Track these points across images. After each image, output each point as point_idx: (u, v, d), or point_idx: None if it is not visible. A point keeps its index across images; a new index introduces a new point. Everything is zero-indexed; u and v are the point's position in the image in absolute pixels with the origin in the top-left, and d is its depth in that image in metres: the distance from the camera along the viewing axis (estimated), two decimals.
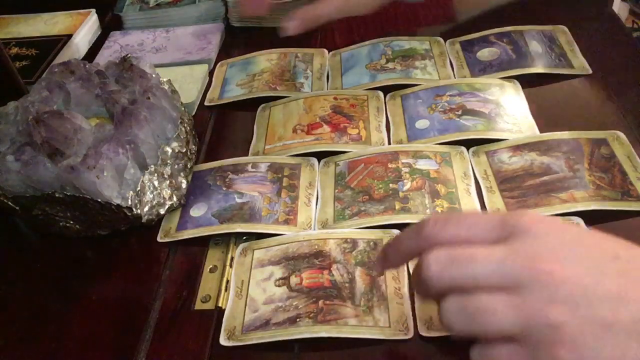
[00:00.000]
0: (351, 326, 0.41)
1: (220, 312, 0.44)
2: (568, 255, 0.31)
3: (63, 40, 0.75)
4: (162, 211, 0.51)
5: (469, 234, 0.34)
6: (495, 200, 0.49)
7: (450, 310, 0.32)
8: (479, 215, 0.36)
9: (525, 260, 0.31)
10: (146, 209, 0.49)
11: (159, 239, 0.50)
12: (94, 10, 0.81)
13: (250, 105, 0.64)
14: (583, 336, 0.30)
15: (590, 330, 0.30)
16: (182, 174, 0.53)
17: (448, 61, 0.65)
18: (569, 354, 0.30)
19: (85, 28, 0.78)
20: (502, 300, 0.31)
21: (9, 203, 0.49)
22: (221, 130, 0.63)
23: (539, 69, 0.61)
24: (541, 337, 0.30)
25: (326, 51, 0.71)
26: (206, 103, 0.66)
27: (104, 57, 0.73)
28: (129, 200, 0.48)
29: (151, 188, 0.50)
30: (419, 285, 0.34)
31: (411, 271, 0.45)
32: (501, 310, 0.31)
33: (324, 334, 0.40)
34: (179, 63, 0.71)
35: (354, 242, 0.46)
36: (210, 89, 0.68)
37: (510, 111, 0.56)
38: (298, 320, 0.41)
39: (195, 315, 0.44)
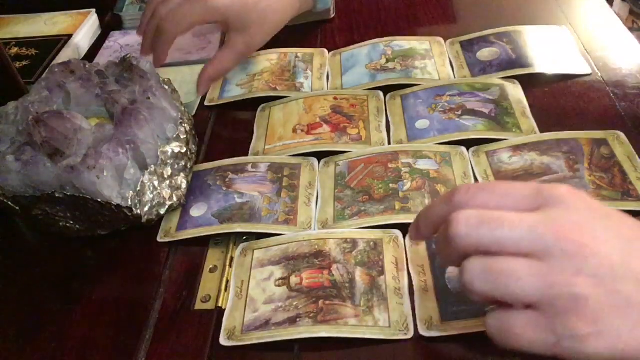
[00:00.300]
0: (351, 326, 0.41)
1: (220, 312, 0.44)
2: (600, 231, 0.31)
3: (63, 40, 0.75)
4: (162, 211, 0.51)
5: (501, 202, 0.33)
6: None
7: (473, 270, 0.32)
8: (513, 184, 0.35)
9: (557, 229, 0.31)
10: (146, 209, 0.49)
11: (159, 239, 0.50)
12: (94, 10, 0.81)
13: (250, 105, 0.64)
14: (604, 311, 0.30)
15: (613, 306, 0.30)
16: (182, 174, 0.53)
17: (448, 61, 0.65)
18: (587, 326, 0.30)
19: (85, 28, 0.78)
20: (528, 266, 0.31)
21: (9, 203, 0.49)
22: (221, 130, 0.63)
23: (539, 68, 0.61)
24: (562, 307, 0.30)
25: (326, 51, 0.71)
26: (206, 103, 0.66)
27: (104, 57, 0.74)
28: (129, 200, 0.48)
29: (151, 188, 0.50)
30: (444, 245, 0.34)
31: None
32: (526, 275, 0.31)
33: (324, 334, 0.40)
34: (179, 63, 0.71)
35: (354, 242, 0.46)
36: (210, 89, 0.68)
37: (510, 111, 0.56)
38: (298, 320, 0.41)
39: (195, 315, 0.44)
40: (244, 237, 0.49)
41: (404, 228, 0.47)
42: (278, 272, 0.45)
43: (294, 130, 0.59)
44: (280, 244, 0.47)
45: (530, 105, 0.57)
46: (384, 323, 0.41)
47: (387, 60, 0.66)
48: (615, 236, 0.31)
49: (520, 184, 0.35)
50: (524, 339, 0.31)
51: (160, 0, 0.60)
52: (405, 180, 0.51)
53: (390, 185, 0.51)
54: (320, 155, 0.56)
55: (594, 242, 0.31)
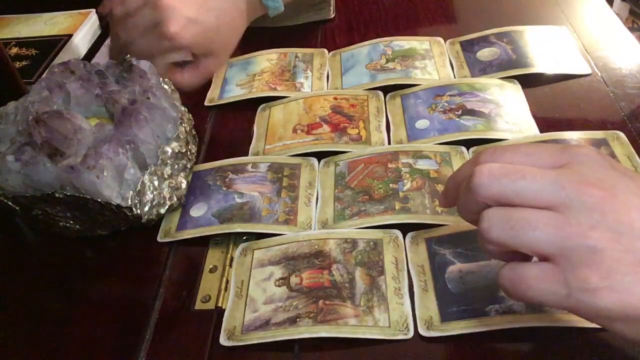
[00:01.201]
0: (351, 326, 0.41)
1: (220, 312, 0.44)
2: (622, 188, 0.31)
3: (63, 40, 0.75)
4: (162, 211, 0.51)
5: (526, 160, 0.33)
6: None
7: (492, 217, 0.32)
8: (538, 144, 0.36)
9: (578, 183, 0.31)
10: (146, 209, 0.49)
11: (159, 239, 0.50)
12: (94, 10, 0.81)
13: (250, 105, 0.64)
14: (619, 266, 0.30)
15: (628, 262, 0.30)
16: (182, 174, 0.53)
17: (448, 61, 0.65)
18: (600, 280, 0.30)
19: (85, 28, 0.78)
20: (546, 217, 0.31)
21: (9, 203, 0.49)
22: (221, 130, 0.63)
23: (539, 68, 0.61)
24: (577, 259, 0.30)
25: (326, 51, 0.71)
26: (206, 103, 0.66)
27: (104, 57, 0.73)
28: (129, 200, 0.48)
29: (151, 188, 0.50)
30: (465, 196, 0.34)
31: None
32: (543, 225, 0.31)
33: (324, 334, 0.40)
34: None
35: (354, 242, 0.46)
36: (210, 89, 0.68)
37: (510, 111, 0.56)
38: (298, 320, 0.41)
39: (195, 315, 0.44)
40: (244, 237, 0.49)
41: (404, 228, 0.47)
42: (278, 272, 0.45)
43: (294, 130, 0.59)
44: (280, 244, 0.47)
45: (530, 105, 0.57)
46: (384, 323, 0.41)
47: (387, 60, 0.66)
48: (636, 195, 0.31)
49: (545, 144, 0.35)
50: (536, 290, 0.31)
51: (119, 21, 0.60)
52: (405, 180, 0.51)
53: (390, 185, 0.51)
54: (320, 155, 0.56)
55: (615, 199, 0.31)
